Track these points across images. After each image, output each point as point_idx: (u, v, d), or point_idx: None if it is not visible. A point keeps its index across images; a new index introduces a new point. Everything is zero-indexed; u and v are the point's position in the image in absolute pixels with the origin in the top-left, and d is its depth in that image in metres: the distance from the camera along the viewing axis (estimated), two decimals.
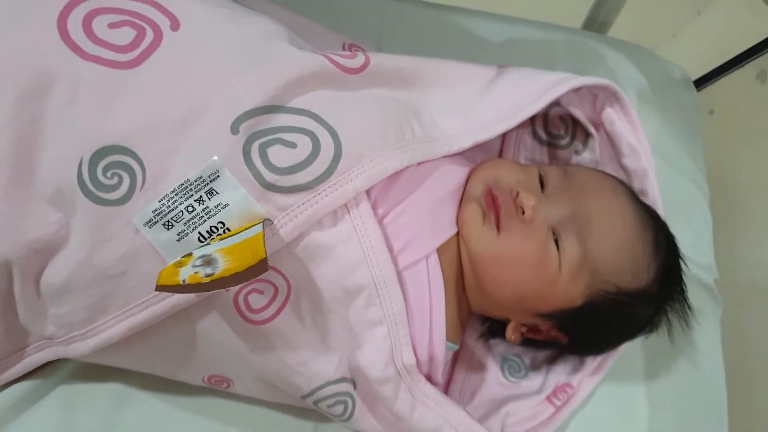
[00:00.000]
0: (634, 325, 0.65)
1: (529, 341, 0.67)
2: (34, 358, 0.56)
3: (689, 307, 0.68)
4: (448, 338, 0.58)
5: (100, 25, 0.48)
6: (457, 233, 0.60)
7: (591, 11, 0.97)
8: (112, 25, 0.48)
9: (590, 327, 0.63)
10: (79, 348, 0.53)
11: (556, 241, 0.59)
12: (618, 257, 0.60)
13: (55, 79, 0.46)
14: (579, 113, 0.72)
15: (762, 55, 0.83)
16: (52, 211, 0.48)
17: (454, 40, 0.86)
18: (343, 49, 0.66)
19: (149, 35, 0.48)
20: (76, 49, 0.47)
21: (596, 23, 0.99)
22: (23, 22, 0.47)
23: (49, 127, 0.47)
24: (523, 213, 0.58)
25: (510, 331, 0.64)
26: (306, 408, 0.59)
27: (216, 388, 0.59)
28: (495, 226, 0.59)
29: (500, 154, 0.77)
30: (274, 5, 0.65)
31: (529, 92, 0.63)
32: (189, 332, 0.52)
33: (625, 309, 0.61)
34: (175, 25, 0.50)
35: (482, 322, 0.70)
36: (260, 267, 0.41)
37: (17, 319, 0.53)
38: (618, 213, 0.62)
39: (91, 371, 0.61)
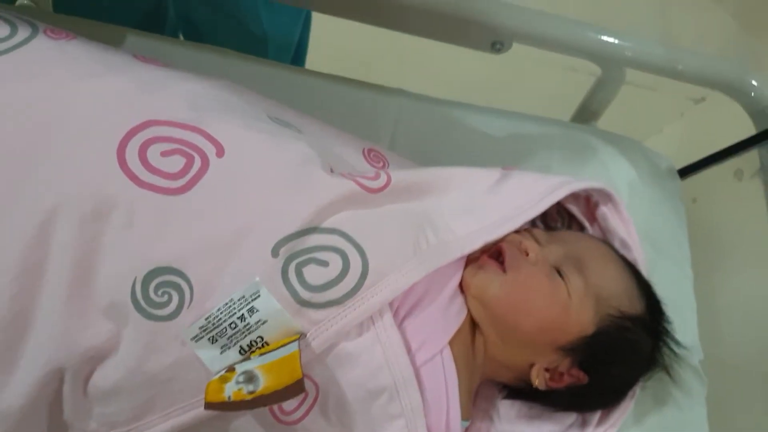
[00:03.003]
0: (638, 357, 0.70)
1: (551, 392, 0.69)
2: None
3: (678, 344, 0.74)
4: (461, 417, 0.62)
5: (154, 153, 0.53)
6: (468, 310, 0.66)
7: (583, 102, 1.04)
8: (164, 154, 0.53)
9: (604, 358, 0.67)
10: None
11: (560, 275, 0.66)
12: (614, 283, 0.68)
13: (114, 205, 0.51)
14: (575, 209, 0.79)
15: (738, 155, 0.91)
16: (105, 322, 0.52)
17: (461, 134, 0.92)
18: (363, 155, 0.72)
19: (197, 163, 0.54)
20: (133, 177, 0.52)
21: (587, 112, 1.06)
22: (87, 152, 0.52)
23: (107, 247, 0.52)
24: (527, 255, 0.66)
25: (535, 375, 0.67)
26: None
27: None
28: (499, 270, 0.65)
29: None
30: (303, 115, 0.71)
31: (532, 196, 0.70)
32: (223, 429, 0.56)
33: (629, 335, 0.67)
34: (220, 152, 0.55)
35: (499, 391, 0.75)
36: (298, 386, 0.47)
37: (62, 416, 0.56)
38: (603, 251, 0.71)
39: None
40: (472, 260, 0.68)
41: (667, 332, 0.72)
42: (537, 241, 0.70)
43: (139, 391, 0.53)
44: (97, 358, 0.53)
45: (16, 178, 0.51)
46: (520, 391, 0.72)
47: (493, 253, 0.68)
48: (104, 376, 0.53)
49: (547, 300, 0.65)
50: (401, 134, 0.90)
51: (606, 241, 0.76)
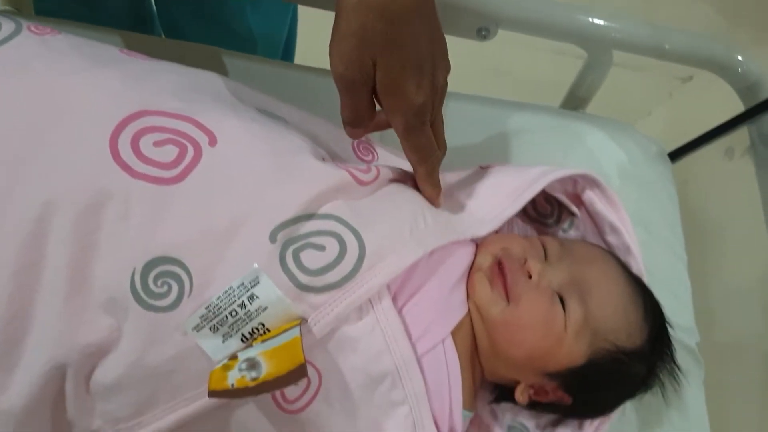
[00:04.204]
0: (630, 384, 0.70)
1: (535, 404, 0.71)
2: None
3: (678, 368, 0.74)
4: (464, 407, 0.62)
5: (146, 143, 0.53)
6: (469, 310, 0.66)
7: (571, 88, 1.05)
8: (156, 144, 0.53)
9: (592, 385, 0.68)
10: None
11: (563, 304, 0.65)
12: (615, 318, 0.66)
13: (109, 197, 0.51)
14: (562, 196, 0.79)
15: (728, 133, 0.92)
16: (105, 317, 0.52)
17: (450, 123, 0.90)
18: (353, 148, 0.72)
19: (190, 152, 0.54)
20: (126, 168, 0.52)
21: (576, 99, 1.06)
22: (79, 145, 0.52)
23: (104, 240, 0.51)
24: (530, 277, 0.65)
25: (519, 393, 0.69)
26: None
27: None
28: (504, 294, 0.65)
29: (496, 231, 0.83)
30: (291, 107, 0.71)
31: (513, 188, 0.72)
32: (226, 420, 0.56)
33: (622, 367, 0.66)
34: (212, 141, 0.55)
35: (491, 391, 0.75)
36: (300, 371, 0.46)
37: (65, 415, 0.56)
38: (612, 279, 0.69)
39: None
40: (480, 265, 0.68)
41: (667, 356, 0.72)
42: (547, 252, 0.69)
43: (141, 385, 0.52)
44: (98, 354, 0.53)
45: (10, 174, 0.51)
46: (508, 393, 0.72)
47: (497, 266, 0.67)
48: (106, 372, 0.52)
49: (541, 334, 0.64)
50: None
51: (619, 259, 0.74)
